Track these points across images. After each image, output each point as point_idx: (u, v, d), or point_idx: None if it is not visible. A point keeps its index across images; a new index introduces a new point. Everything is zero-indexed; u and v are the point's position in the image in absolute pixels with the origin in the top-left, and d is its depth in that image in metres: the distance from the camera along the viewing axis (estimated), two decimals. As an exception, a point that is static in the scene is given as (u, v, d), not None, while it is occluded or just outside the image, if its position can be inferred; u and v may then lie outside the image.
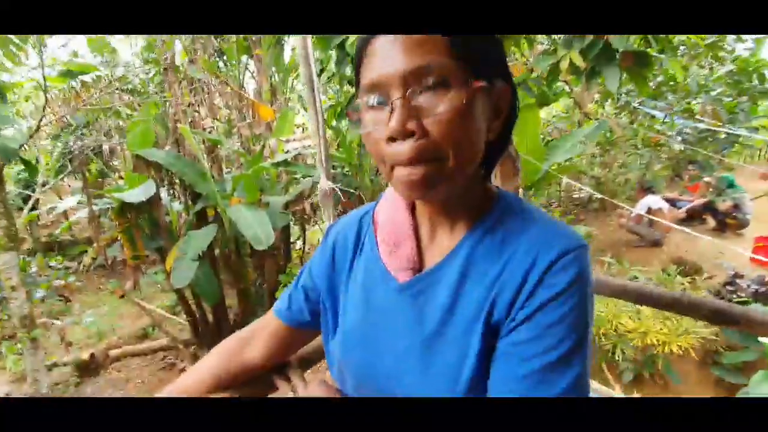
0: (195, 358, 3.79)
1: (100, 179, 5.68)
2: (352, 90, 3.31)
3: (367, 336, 0.56)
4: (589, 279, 0.47)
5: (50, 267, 4.00)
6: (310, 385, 0.64)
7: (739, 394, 2.41)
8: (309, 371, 0.77)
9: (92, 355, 3.28)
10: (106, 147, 3.55)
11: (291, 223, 4.33)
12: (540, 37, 2.69)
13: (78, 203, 4.58)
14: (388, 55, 0.43)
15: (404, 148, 0.43)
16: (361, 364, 0.56)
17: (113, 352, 3.58)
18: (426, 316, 0.51)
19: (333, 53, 2.42)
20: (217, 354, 0.69)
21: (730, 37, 4.58)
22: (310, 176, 3.85)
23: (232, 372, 0.68)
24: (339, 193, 1.99)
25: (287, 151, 3.72)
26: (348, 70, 2.84)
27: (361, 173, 3.96)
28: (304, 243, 4.92)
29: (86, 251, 4.67)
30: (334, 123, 4.15)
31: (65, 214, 6.05)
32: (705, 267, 3.61)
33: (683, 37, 2.56)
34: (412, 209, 0.56)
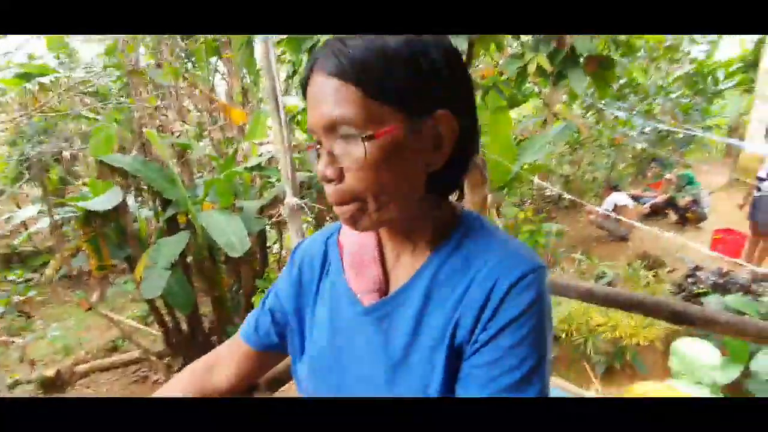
0: (169, 369, 3.68)
1: (61, 186, 5.43)
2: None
3: (334, 360, 0.56)
4: (548, 298, 0.48)
5: (9, 281, 3.79)
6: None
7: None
8: (278, 391, 0.77)
9: (58, 372, 3.13)
10: (67, 153, 3.38)
11: (267, 227, 4.26)
12: (509, 40, 2.76)
13: (39, 212, 4.36)
14: (313, 105, 0.46)
15: (329, 190, 0.47)
16: (328, 387, 0.56)
17: (80, 368, 3.43)
18: (391, 340, 0.51)
19: (304, 57, 2.39)
20: (187, 377, 0.68)
21: (686, 41, 4.82)
22: (285, 180, 3.80)
23: (202, 394, 0.66)
24: (306, 208, 1.98)
25: (261, 155, 3.66)
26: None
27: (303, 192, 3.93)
28: (281, 247, 4.85)
29: (48, 262, 4.45)
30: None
31: (24, 224, 5.75)
32: (667, 261, 3.79)
33: (643, 41, 2.68)
34: (377, 231, 0.56)
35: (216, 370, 0.67)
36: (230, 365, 0.67)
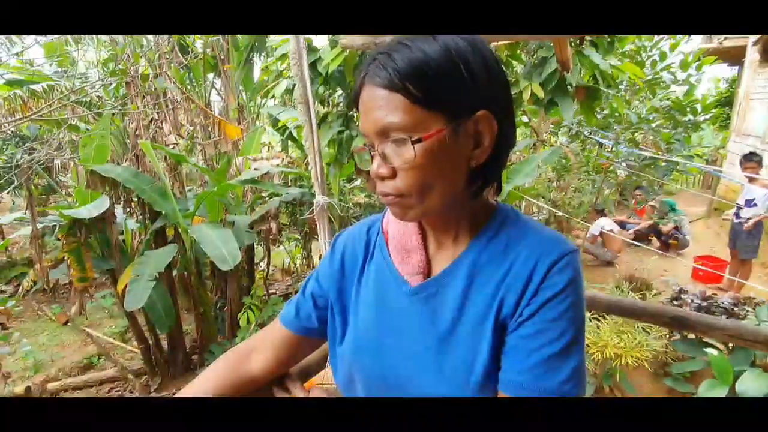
0: (147, 388, 3.52)
1: (43, 195, 5.29)
2: (323, 109, 3.33)
3: (380, 338, 0.59)
4: (582, 279, 0.53)
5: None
6: (311, 392, 0.63)
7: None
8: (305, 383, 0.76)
9: (28, 389, 2.96)
10: (57, 162, 3.32)
11: (255, 243, 4.20)
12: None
13: (15, 220, 4.21)
14: (366, 112, 0.50)
15: (380, 187, 0.52)
16: (372, 364, 0.59)
17: (52, 385, 3.25)
18: (439, 317, 0.55)
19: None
20: (222, 365, 0.69)
21: (667, 76, 5.08)
22: (278, 195, 3.79)
23: (237, 382, 0.67)
24: (336, 207, 2.12)
25: (255, 169, 3.65)
26: (320, 89, 2.87)
27: (329, 194, 3.94)
28: (268, 265, 4.77)
29: (25, 273, 4.28)
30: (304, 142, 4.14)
31: (1, 232, 5.55)
32: (653, 284, 3.86)
33: (626, 75, 2.84)
34: (419, 221, 0.60)
35: (254, 355, 0.70)
36: (268, 350, 0.69)
